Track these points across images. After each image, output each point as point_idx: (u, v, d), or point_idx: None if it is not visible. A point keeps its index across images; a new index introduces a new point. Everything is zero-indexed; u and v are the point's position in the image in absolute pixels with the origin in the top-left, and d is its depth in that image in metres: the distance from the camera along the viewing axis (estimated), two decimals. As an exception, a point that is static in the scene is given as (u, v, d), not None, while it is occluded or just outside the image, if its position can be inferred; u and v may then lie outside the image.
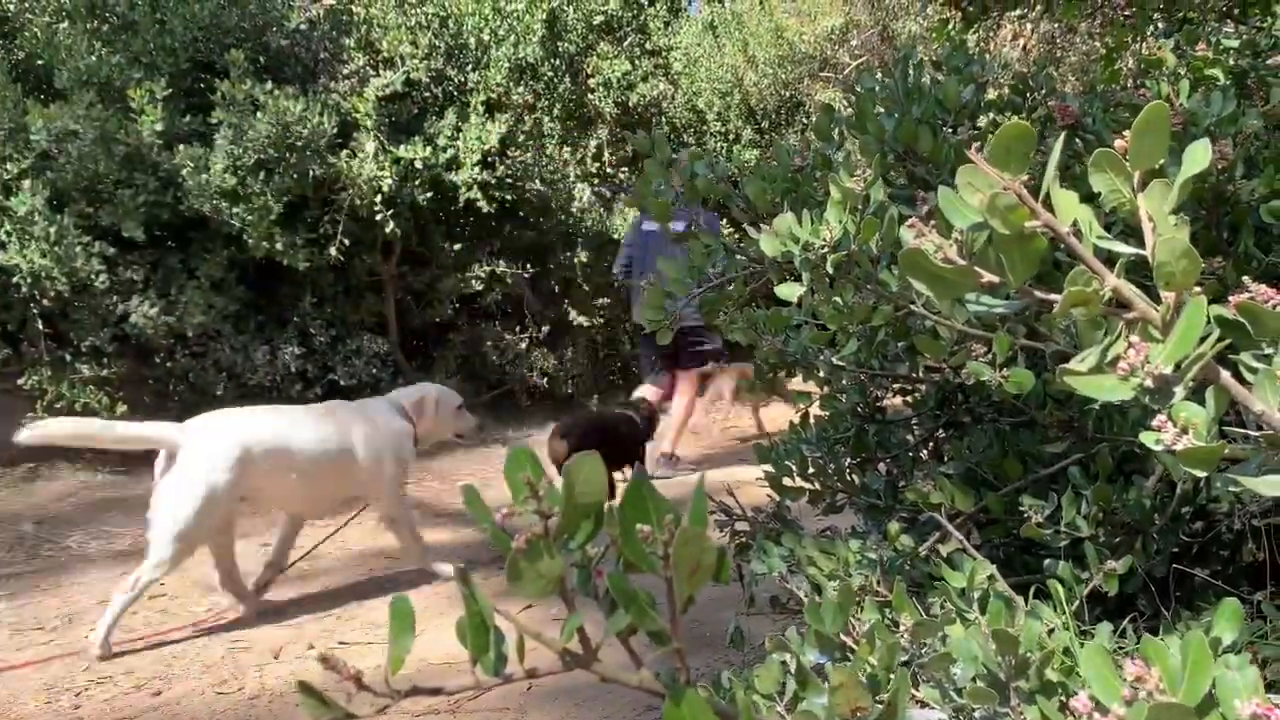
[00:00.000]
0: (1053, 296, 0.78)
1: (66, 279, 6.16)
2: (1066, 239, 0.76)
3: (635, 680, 0.63)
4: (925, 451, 2.58)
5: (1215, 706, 0.65)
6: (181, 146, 6.55)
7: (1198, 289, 0.75)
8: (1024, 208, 0.75)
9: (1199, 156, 0.78)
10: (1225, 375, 0.76)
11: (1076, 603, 1.72)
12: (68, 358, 6.56)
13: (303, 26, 7.66)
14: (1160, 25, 2.89)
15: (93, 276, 6.29)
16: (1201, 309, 0.72)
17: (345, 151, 7.22)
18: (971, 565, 1.47)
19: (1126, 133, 0.80)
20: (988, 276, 0.79)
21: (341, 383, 7.68)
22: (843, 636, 1.40)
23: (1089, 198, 0.89)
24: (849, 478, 2.48)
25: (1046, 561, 1.84)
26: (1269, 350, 0.83)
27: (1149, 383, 0.73)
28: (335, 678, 0.60)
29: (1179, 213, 0.79)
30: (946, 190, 0.79)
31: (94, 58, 6.70)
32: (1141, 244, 0.83)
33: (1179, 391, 0.73)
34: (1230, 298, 0.86)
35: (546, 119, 9.45)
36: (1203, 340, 0.73)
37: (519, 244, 9.30)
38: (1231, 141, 1.84)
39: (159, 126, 6.45)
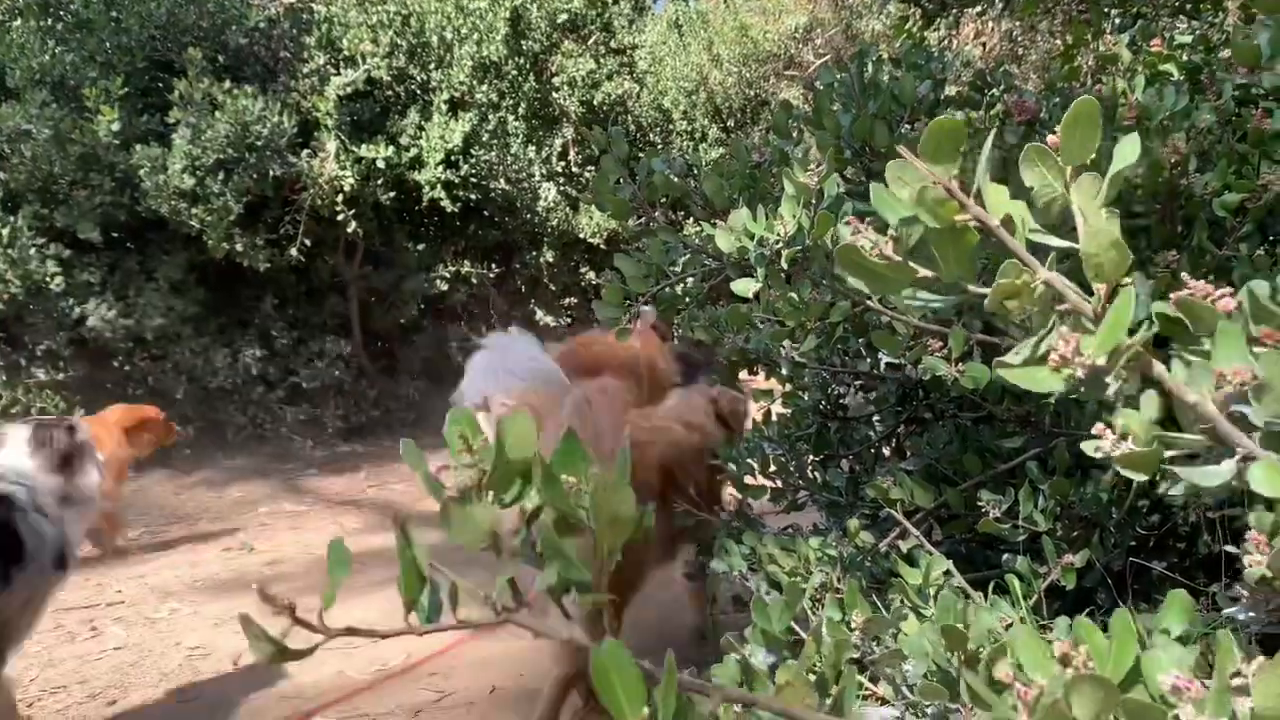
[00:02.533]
0: (986, 290, 0.78)
1: (20, 281, 6.05)
2: (997, 231, 0.76)
3: (565, 634, 0.64)
4: (887, 448, 2.58)
5: (1140, 681, 0.66)
6: (139, 146, 6.45)
7: (1128, 280, 0.75)
8: (954, 202, 0.75)
9: (1128, 152, 0.78)
10: (1158, 366, 0.76)
11: (1035, 597, 1.73)
12: (23, 362, 6.44)
13: (262, 24, 7.57)
14: (1117, 21, 2.91)
15: (48, 279, 6.18)
16: (1130, 300, 0.72)
17: (306, 151, 7.14)
18: (928, 561, 1.46)
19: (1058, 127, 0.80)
20: (923, 271, 0.79)
21: (304, 385, 7.61)
22: (804, 634, 1.39)
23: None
24: (811, 475, 2.47)
25: (1005, 556, 1.84)
26: (1207, 345, 0.84)
27: (1080, 374, 0.73)
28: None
29: (1113, 206, 0.79)
30: (878, 186, 0.79)
31: (48, 56, 6.58)
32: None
33: (1111, 381, 0.74)
34: (1170, 295, 0.86)
35: (511, 118, 9.39)
36: (1134, 331, 0.74)
37: (484, 244, 9.25)
38: (1184, 136, 1.84)
39: (115, 126, 6.34)
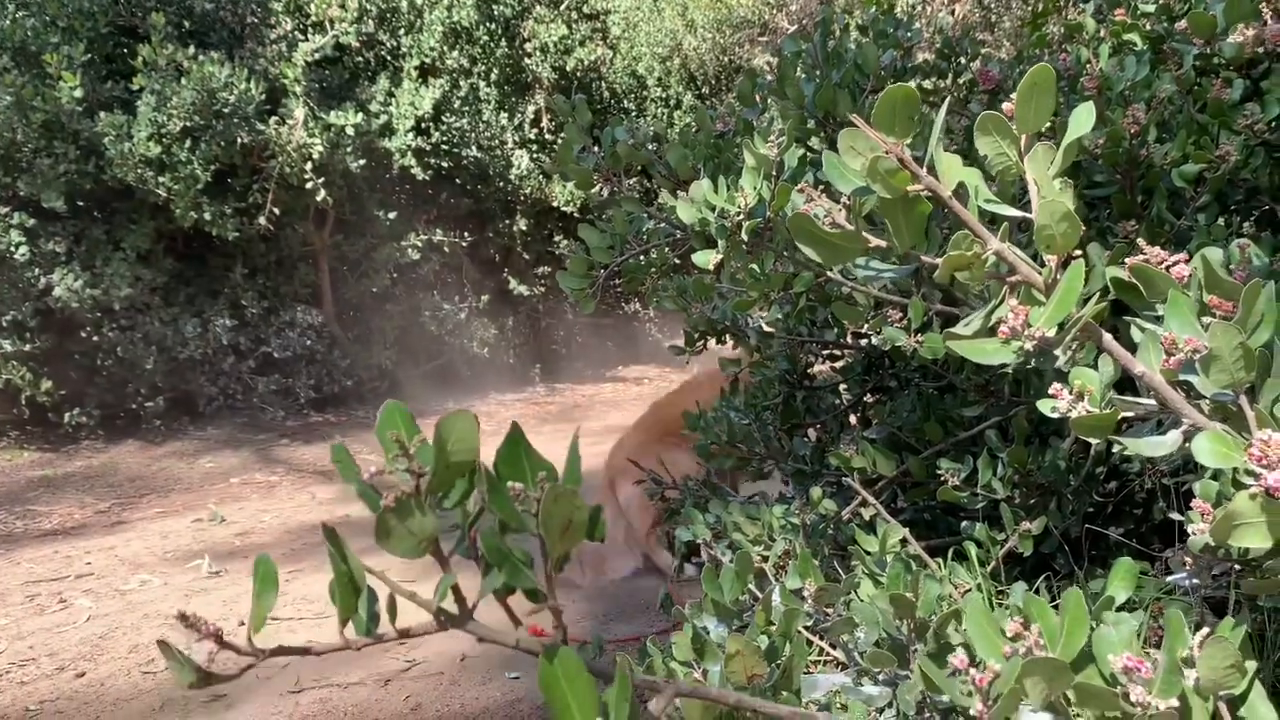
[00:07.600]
0: (939, 261, 0.78)
1: (-16, 251, 5.97)
2: (949, 202, 0.75)
3: (512, 640, 0.63)
4: (854, 417, 2.60)
5: (1091, 661, 0.66)
6: (103, 114, 6.34)
7: (1079, 252, 0.75)
8: (906, 171, 0.74)
9: (1083, 120, 0.77)
10: (1107, 338, 0.76)
11: (993, 564, 1.75)
12: (-12, 333, 6.37)
13: (228, -11, 7.45)
14: (1083, -12, 2.90)
15: (12, 249, 6.10)
16: (1080, 272, 0.72)
17: (274, 118, 7.05)
18: (884, 529, 1.48)
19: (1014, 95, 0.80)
20: (875, 241, 0.79)
21: (275, 355, 7.56)
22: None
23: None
24: (777, 444, 2.49)
25: (965, 524, 1.87)
26: (1160, 312, 0.84)
27: (1029, 346, 0.73)
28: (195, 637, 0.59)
29: (1065, 177, 0.78)
30: (830, 155, 0.78)
31: (7, 21, 6.45)
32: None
33: (1060, 355, 0.74)
34: (1126, 260, 0.86)
35: (482, 84, 9.30)
36: (1084, 303, 0.74)
37: (456, 212, 9.19)
38: (1145, 106, 1.85)
39: (78, 93, 6.23)
